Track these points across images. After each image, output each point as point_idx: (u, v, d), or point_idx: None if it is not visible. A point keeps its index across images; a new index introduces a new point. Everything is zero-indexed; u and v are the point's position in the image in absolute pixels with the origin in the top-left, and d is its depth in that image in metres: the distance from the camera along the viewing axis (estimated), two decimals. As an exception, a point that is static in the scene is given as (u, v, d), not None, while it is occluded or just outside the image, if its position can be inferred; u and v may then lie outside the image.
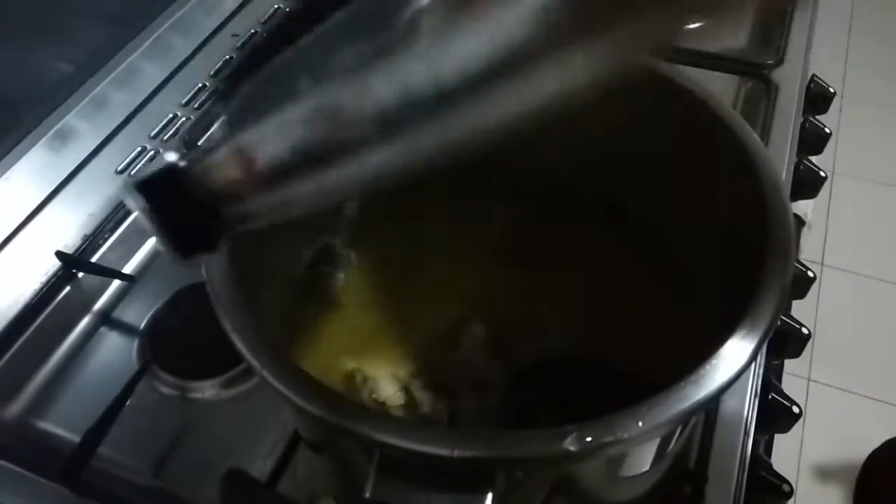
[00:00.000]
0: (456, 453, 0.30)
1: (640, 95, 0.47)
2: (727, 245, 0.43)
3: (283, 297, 0.48)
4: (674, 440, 0.42)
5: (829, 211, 1.75)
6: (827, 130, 0.88)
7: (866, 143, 1.89)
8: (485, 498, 0.31)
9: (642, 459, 0.42)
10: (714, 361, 0.33)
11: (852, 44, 2.14)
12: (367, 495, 0.31)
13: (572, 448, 0.30)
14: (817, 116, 0.89)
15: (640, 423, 0.31)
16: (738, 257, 0.41)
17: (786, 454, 1.32)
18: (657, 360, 0.45)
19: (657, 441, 0.40)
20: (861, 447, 1.38)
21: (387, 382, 0.49)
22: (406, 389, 0.49)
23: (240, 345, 0.34)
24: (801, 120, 0.84)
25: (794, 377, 1.47)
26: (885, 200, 1.82)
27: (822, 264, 1.66)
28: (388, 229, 0.56)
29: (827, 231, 1.72)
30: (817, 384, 1.49)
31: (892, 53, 2.19)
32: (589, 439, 0.30)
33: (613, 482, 0.43)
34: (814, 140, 0.87)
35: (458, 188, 0.54)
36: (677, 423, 0.32)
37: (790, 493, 0.59)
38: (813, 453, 1.37)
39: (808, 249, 1.62)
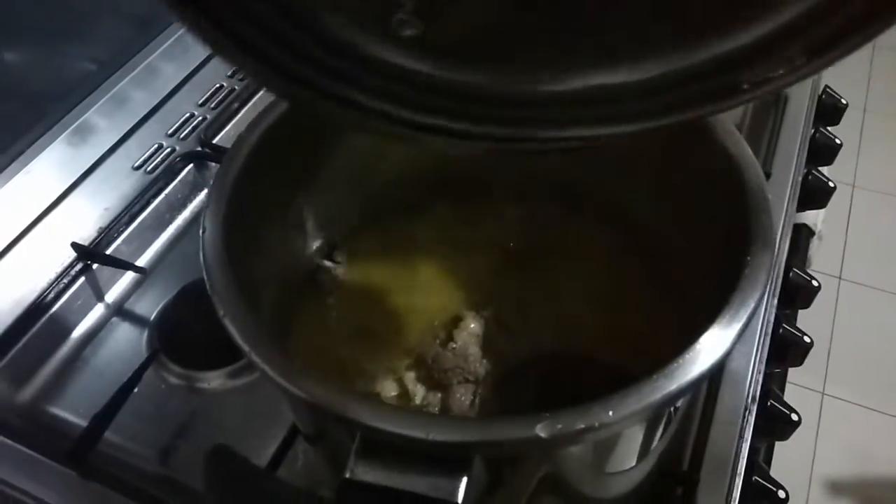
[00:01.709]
0: (430, 436, 0.31)
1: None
2: (717, 245, 0.43)
3: (281, 289, 0.49)
4: (658, 435, 0.43)
5: (848, 224, 1.74)
6: (837, 141, 0.88)
7: (888, 156, 1.87)
8: (459, 482, 0.32)
9: (625, 454, 0.42)
10: (689, 354, 0.34)
11: (876, 57, 2.12)
12: (348, 475, 0.32)
13: (542, 434, 0.31)
14: (829, 127, 0.89)
15: (611, 413, 0.32)
16: (727, 256, 0.41)
17: (798, 468, 1.31)
18: (648, 357, 0.46)
19: (639, 435, 0.41)
20: (874, 462, 1.36)
21: (381, 374, 0.50)
22: (400, 381, 0.50)
23: (230, 327, 0.35)
24: (812, 131, 0.84)
25: (809, 391, 1.46)
26: (906, 215, 1.80)
27: (839, 278, 1.65)
28: (388, 225, 0.58)
29: (846, 244, 1.71)
30: (831, 398, 1.48)
31: (918, 68, 2.16)
32: (560, 426, 0.31)
33: (599, 478, 0.44)
34: (824, 151, 0.87)
35: (458, 187, 0.56)
36: (649, 414, 0.33)
37: (786, 500, 0.59)
38: (826, 468, 1.36)
39: (825, 262, 1.61)
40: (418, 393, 0.49)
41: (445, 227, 0.56)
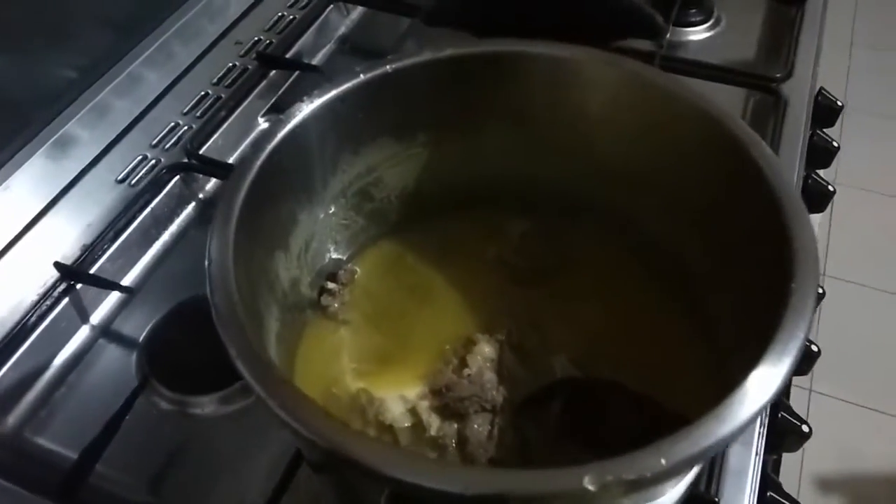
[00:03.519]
0: (469, 491, 0.29)
1: (653, 113, 0.47)
2: (746, 267, 0.41)
3: (285, 314, 0.46)
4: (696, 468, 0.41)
5: (830, 222, 1.75)
6: (835, 144, 0.87)
7: (868, 154, 1.88)
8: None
9: (662, 489, 0.40)
10: (739, 393, 0.32)
11: (854, 55, 2.13)
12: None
13: (590, 487, 0.29)
14: (824, 129, 0.88)
15: (664, 461, 0.30)
16: (759, 279, 0.40)
17: (787, 466, 1.31)
18: (669, 384, 0.44)
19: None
20: (864, 459, 1.37)
21: (393, 404, 0.48)
22: (413, 411, 0.48)
23: (245, 372, 0.33)
24: (810, 133, 0.83)
25: (797, 388, 1.46)
26: (888, 211, 1.81)
27: (824, 275, 1.66)
28: (395, 244, 0.56)
29: (829, 242, 1.71)
30: (819, 395, 1.48)
31: (894, 64, 2.18)
32: (609, 477, 0.29)
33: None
34: (821, 154, 0.86)
35: (472, 198, 0.55)
36: (702, 460, 0.31)
37: (801, 512, 0.59)
38: (815, 465, 1.36)
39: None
40: (433, 424, 0.47)
41: (457, 247, 0.54)
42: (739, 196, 0.42)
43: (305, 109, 0.44)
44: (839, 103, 0.91)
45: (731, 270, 0.43)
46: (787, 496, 0.59)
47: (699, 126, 0.44)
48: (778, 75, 0.82)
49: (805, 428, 0.62)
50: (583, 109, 0.50)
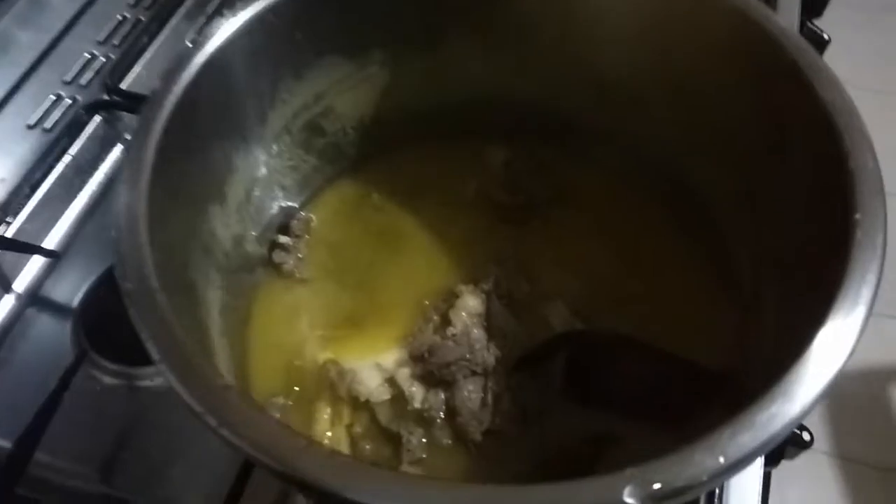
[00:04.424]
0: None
1: (658, 7, 0.39)
2: (783, 195, 0.34)
3: (230, 279, 0.40)
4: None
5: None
6: (825, 37, 0.82)
7: (859, 49, 1.81)
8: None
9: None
10: (806, 359, 0.25)
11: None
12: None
13: (632, 501, 0.22)
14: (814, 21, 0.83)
15: (722, 459, 0.23)
16: (802, 210, 0.33)
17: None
18: (684, 334, 0.39)
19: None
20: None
21: (368, 374, 0.42)
22: (392, 381, 0.42)
23: (176, 384, 0.25)
24: (799, 24, 0.78)
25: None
26: (880, 109, 1.75)
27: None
28: (356, 184, 0.49)
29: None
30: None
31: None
32: (657, 486, 0.23)
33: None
34: (814, 2, 0.81)
35: (443, 126, 0.48)
36: (767, 450, 0.24)
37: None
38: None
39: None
40: (416, 395, 0.41)
41: (434, 181, 0.48)
42: (771, 106, 0.35)
43: (228, 27, 0.35)
44: (826, -9, 0.85)
45: (762, 200, 0.36)
46: None
47: (718, 22, 0.36)
48: (768, -40, 0.75)
49: (806, 436, 0.57)
50: (569, 6, 0.41)
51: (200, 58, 0.34)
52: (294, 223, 0.47)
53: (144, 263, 0.28)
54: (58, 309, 0.59)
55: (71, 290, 0.59)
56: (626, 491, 0.23)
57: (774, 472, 0.54)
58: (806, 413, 0.24)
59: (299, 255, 0.46)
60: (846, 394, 1.12)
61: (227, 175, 0.39)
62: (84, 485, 0.50)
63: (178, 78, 0.33)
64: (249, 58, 0.37)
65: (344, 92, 0.44)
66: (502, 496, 0.24)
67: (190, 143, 0.34)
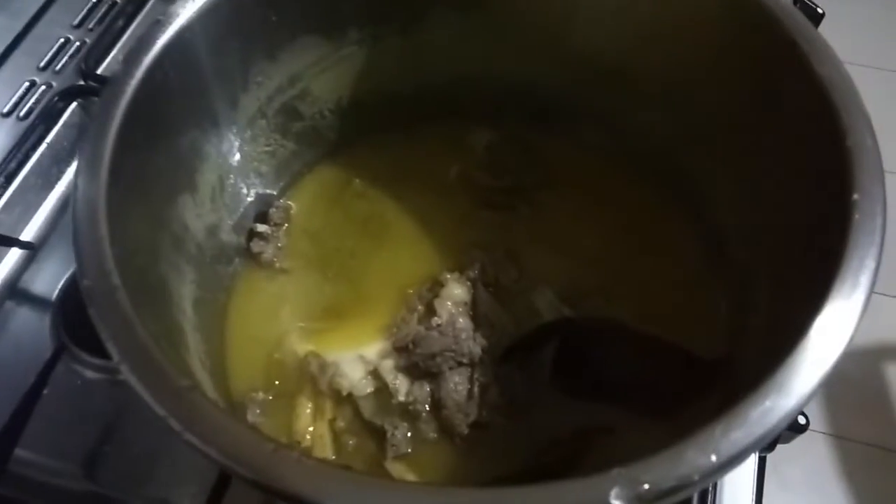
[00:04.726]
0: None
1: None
2: (779, 175, 0.33)
3: (204, 272, 0.38)
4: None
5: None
6: (819, 10, 0.80)
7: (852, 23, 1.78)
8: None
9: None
10: (803, 348, 0.24)
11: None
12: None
13: (619, 503, 0.21)
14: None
15: (714, 458, 0.22)
16: (799, 190, 0.31)
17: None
18: (676, 320, 0.38)
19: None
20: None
21: (351, 367, 0.41)
22: (375, 374, 0.40)
23: (138, 386, 0.24)
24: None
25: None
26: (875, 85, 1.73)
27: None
28: (336, 170, 0.47)
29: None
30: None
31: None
32: (645, 486, 0.21)
33: None
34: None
35: (425, 108, 0.46)
36: (761, 446, 0.23)
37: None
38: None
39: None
40: (400, 387, 0.40)
41: (416, 166, 0.46)
42: (765, 83, 0.34)
43: (193, 5, 0.33)
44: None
45: (755, 180, 0.35)
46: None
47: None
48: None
49: (802, 419, 0.56)
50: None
51: (164, 38, 0.32)
52: (272, 211, 0.45)
53: (104, 259, 0.26)
54: (36, 302, 0.57)
55: (50, 282, 0.57)
56: (613, 492, 0.21)
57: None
58: (802, 406, 0.23)
59: (278, 245, 0.44)
60: (841, 372, 1.11)
61: (198, 162, 0.37)
62: (70, 483, 0.49)
63: (139, 60, 0.31)
64: (217, 38, 0.35)
65: (321, 73, 0.42)
66: (482, 500, 0.22)
67: (155, 129, 0.32)
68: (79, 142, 0.30)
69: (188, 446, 0.24)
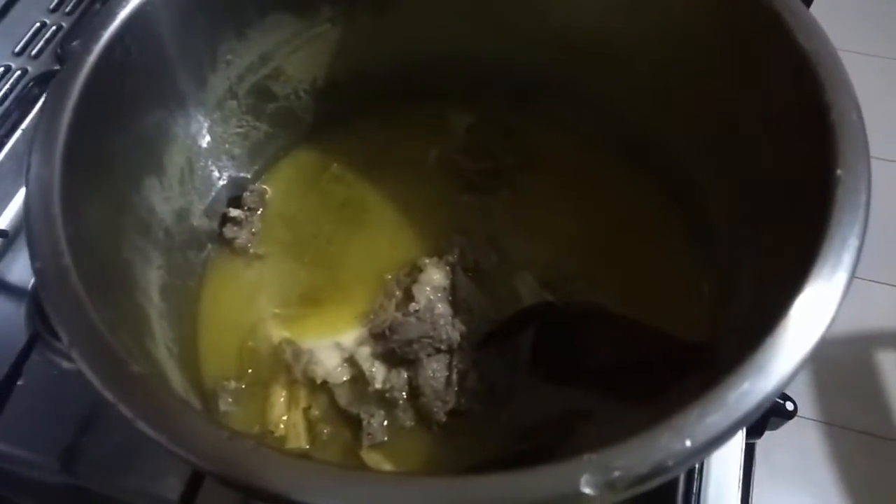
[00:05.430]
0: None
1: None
2: (763, 152, 0.32)
3: (172, 257, 0.37)
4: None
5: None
6: None
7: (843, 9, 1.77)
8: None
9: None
10: (783, 329, 0.23)
11: None
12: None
13: (589, 491, 0.20)
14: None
15: (689, 442, 0.21)
16: (782, 168, 0.30)
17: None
18: (658, 304, 0.37)
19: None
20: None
21: (326, 354, 0.40)
22: (351, 361, 0.40)
23: (87, 371, 0.23)
24: None
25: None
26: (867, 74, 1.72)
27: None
28: (313, 152, 0.46)
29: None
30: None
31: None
32: (617, 473, 0.20)
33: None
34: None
35: (403, 89, 0.46)
36: (738, 430, 0.22)
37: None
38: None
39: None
40: (377, 375, 0.39)
41: (393, 149, 0.45)
42: (749, 57, 0.32)
43: (154, -21, 0.32)
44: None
45: (739, 158, 0.34)
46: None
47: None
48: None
49: (790, 405, 0.55)
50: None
51: (124, 13, 0.31)
52: (246, 195, 0.44)
53: (57, 240, 0.25)
54: (11, 291, 0.56)
55: (25, 271, 0.56)
56: (583, 479, 0.20)
57: (760, 440, 0.52)
58: (781, 388, 0.22)
59: (252, 230, 0.43)
60: (832, 359, 1.11)
61: (165, 144, 0.36)
62: (48, 476, 0.48)
63: (98, 35, 0.30)
64: (182, 14, 0.34)
65: (293, 52, 0.41)
66: (453, 488, 0.21)
67: (116, 107, 0.31)
68: (35, 122, 0.29)
69: (141, 435, 0.23)
